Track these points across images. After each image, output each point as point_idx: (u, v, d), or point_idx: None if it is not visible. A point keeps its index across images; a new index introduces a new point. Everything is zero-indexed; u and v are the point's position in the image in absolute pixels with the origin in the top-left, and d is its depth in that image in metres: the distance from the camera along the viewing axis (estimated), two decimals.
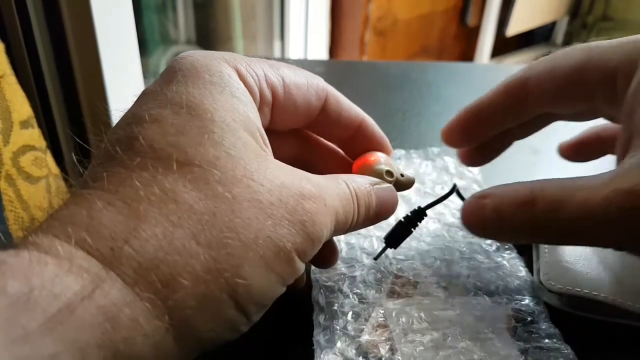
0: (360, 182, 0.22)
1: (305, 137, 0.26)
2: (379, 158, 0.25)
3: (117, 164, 0.17)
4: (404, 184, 0.25)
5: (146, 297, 0.15)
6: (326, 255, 0.25)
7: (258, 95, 0.21)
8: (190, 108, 0.18)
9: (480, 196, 0.22)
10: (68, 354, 0.13)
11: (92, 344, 0.13)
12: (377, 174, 0.24)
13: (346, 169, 0.25)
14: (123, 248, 0.15)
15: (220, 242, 0.16)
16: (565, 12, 2.19)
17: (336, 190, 0.20)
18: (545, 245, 0.27)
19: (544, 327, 0.24)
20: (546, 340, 0.23)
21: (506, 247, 0.29)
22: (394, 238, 0.26)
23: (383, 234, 0.30)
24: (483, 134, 0.27)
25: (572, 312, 0.25)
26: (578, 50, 0.22)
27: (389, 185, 0.23)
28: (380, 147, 0.26)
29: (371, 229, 0.30)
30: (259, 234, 0.17)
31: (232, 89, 0.19)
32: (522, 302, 0.25)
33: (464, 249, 0.29)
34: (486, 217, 0.22)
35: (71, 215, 0.16)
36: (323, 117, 0.24)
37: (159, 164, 0.16)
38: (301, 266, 0.19)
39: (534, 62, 0.24)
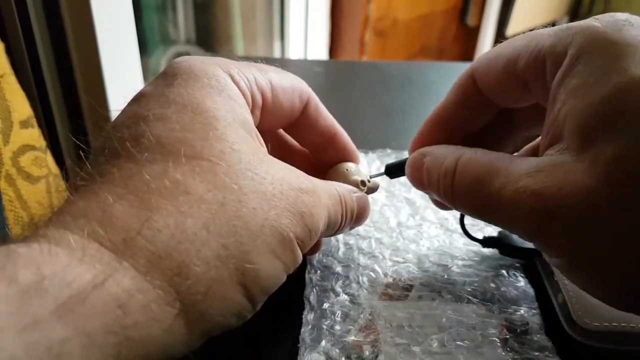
0: (346, 189, 0.24)
1: (282, 139, 0.28)
2: (352, 168, 0.27)
3: (124, 159, 0.17)
4: (371, 189, 0.27)
5: (158, 285, 0.15)
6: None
7: (250, 98, 0.22)
8: (193, 107, 0.19)
9: (421, 153, 0.23)
10: (77, 339, 0.13)
11: (103, 329, 0.14)
12: (354, 183, 0.26)
13: (315, 175, 0.25)
14: (136, 238, 0.15)
15: (230, 230, 0.17)
16: (565, 12, 2.19)
17: (328, 190, 0.22)
18: (565, 279, 0.25)
19: (536, 338, 0.23)
20: (537, 353, 0.22)
21: (507, 257, 0.29)
22: (395, 169, 0.27)
23: (383, 236, 0.30)
24: (450, 139, 0.25)
25: (612, 348, 0.23)
26: (522, 37, 0.21)
27: (364, 194, 0.26)
28: (350, 157, 0.28)
29: (371, 231, 0.30)
30: (264, 223, 0.18)
31: (229, 92, 0.20)
32: (517, 313, 0.25)
33: (464, 255, 0.28)
34: (423, 175, 0.23)
35: (82, 209, 0.16)
36: (302, 120, 0.26)
37: (169, 158, 0.17)
38: (300, 255, 0.20)
39: (483, 53, 0.23)
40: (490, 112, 0.24)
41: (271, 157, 0.20)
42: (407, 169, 0.24)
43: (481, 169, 0.19)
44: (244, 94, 0.21)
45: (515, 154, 0.26)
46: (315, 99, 0.26)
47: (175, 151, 0.17)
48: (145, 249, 0.15)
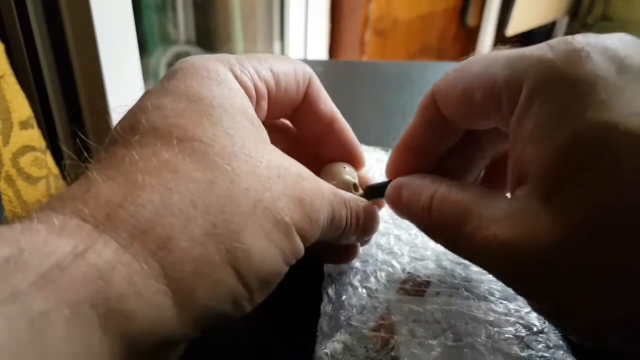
0: (350, 195, 0.23)
1: (285, 130, 0.27)
2: (348, 168, 0.26)
3: (119, 146, 0.17)
4: (371, 195, 0.27)
5: (142, 258, 0.15)
6: (345, 250, 0.26)
7: (254, 91, 0.21)
8: (190, 96, 0.19)
9: (399, 184, 0.23)
10: (59, 311, 0.13)
11: (84, 301, 0.13)
12: (346, 183, 0.25)
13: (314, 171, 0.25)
14: (118, 212, 0.15)
15: (219, 209, 0.16)
16: (565, 12, 2.19)
17: (330, 188, 0.21)
18: None
19: (552, 337, 0.23)
20: (552, 351, 0.23)
21: None
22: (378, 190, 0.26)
23: (402, 233, 0.30)
24: (422, 162, 0.24)
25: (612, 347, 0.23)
26: (477, 62, 0.20)
27: (371, 204, 0.25)
28: (351, 149, 0.27)
29: (390, 228, 0.30)
30: (257, 204, 0.17)
31: (229, 85, 0.20)
32: (534, 312, 0.25)
33: None
34: (403, 207, 0.22)
35: (71, 191, 0.16)
36: (303, 104, 0.25)
37: (159, 140, 0.17)
38: (300, 245, 0.19)
39: (444, 74, 0.22)
40: (457, 133, 0.23)
41: (271, 145, 0.20)
42: (387, 201, 0.24)
43: (454, 210, 0.19)
44: (247, 88, 0.21)
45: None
46: (316, 80, 0.25)
47: (167, 134, 0.17)
48: (128, 223, 0.15)
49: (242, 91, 0.21)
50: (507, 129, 0.19)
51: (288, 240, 0.18)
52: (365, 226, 0.24)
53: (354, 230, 0.23)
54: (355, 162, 0.27)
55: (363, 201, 0.24)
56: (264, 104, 0.23)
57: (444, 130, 0.23)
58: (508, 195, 0.19)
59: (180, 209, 0.16)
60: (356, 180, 0.26)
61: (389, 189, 0.24)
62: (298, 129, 0.27)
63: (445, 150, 0.24)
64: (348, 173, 0.26)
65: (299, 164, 0.20)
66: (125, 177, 0.16)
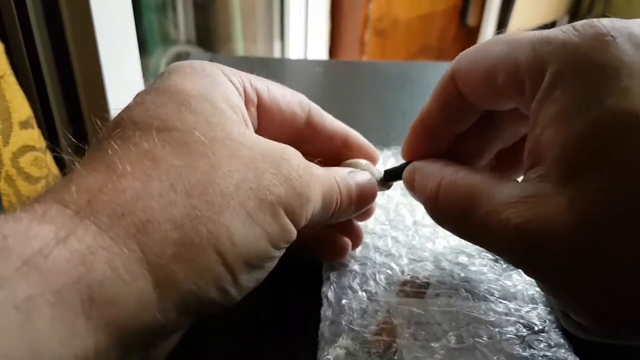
0: (338, 169, 0.23)
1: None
2: (362, 164, 0.26)
3: (103, 141, 0.18)
4: (385, 186, 0.27)
5: (122, 242, 0.15)
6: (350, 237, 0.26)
7: (242, 92, 0.21)
8: (171, 90, 0.19)
9: (413, 168, 0.23)
10: (43, 297, 0.13)
11: (68, 286, 0.13)
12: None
13: None
14: (98, 197, 0.15)
15: (200, 191, 0.16)
16: (565, 12, 2.19)
17: (319, 169, 0.21)
18: None
19: (553, 336, 0.23)
20: (554, 350, 0.23)
21: None
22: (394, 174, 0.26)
23: (399, 234, 0.30)
24: (437, 142, 0.24)
25: (610, 342, 0.23)
26: (500, 43, 0.19)
27: (365, 172, 0.25)
28: (368, 156, 0.27)
29: (387, 230, 0.30)
30: (240, 185, 0.17)
31: (214, 77, 0.20)
32: (535, 311, 0.25)
33: (480, 254, 0.29)
34: (416, 192, 0.23)
35: (56, 185, 0.16)
36: (310, 131, 0.25)
37: (138, 132, 0.17)
38: (289, 225, 0.18)
39: (463, 52, 0.22)
40: (475, 114, 0.23)
41: (254, 133, 0.20)
42: (404, 184, 0.24)
43: (463, 195, 0.19)
44: (236, 87, 0.21)
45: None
46: (317, 108, 0.25)
47: (146, 126, 0.17)
48: (108, 207, 0.15)
49: (229, 83, 0.21)
50: (528, 112, 0.18)
51: (273, 221, 0.18)
52: (359, 199, 0.23)
53: (347, 206, 0.23)
54: (371, 158, 0.27)
55: (353, 171, 0.24)
56: (253, 110, 0.22)
57: (462, 109, 0.23)
58: (518, 180, 0.19)
59: (160, 193, 0.16)
60: (367, 170, 0.26)
61: (405, 173, 0.24)
62: (309, 151, 0.27)
63: (462, 131, 0.24)
64: (364, 169, 0.26)
65: (284, 144, 0.20)
66: (107, 167, 0.16)
